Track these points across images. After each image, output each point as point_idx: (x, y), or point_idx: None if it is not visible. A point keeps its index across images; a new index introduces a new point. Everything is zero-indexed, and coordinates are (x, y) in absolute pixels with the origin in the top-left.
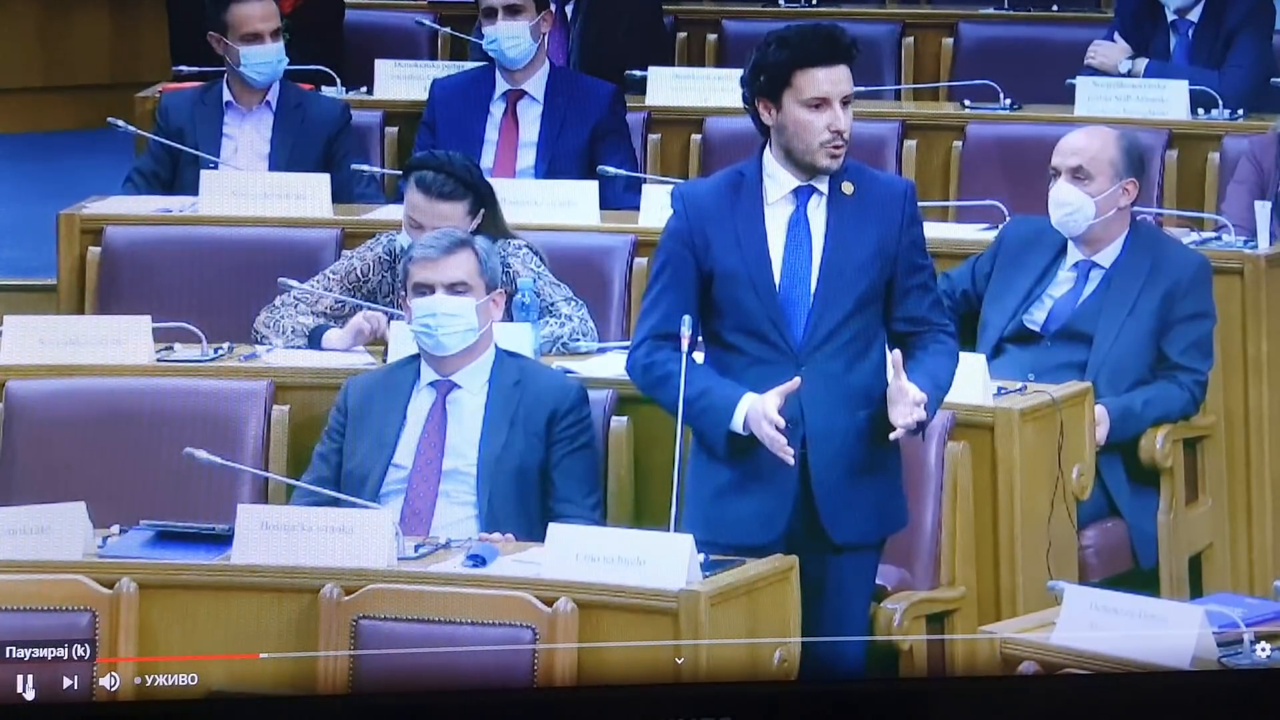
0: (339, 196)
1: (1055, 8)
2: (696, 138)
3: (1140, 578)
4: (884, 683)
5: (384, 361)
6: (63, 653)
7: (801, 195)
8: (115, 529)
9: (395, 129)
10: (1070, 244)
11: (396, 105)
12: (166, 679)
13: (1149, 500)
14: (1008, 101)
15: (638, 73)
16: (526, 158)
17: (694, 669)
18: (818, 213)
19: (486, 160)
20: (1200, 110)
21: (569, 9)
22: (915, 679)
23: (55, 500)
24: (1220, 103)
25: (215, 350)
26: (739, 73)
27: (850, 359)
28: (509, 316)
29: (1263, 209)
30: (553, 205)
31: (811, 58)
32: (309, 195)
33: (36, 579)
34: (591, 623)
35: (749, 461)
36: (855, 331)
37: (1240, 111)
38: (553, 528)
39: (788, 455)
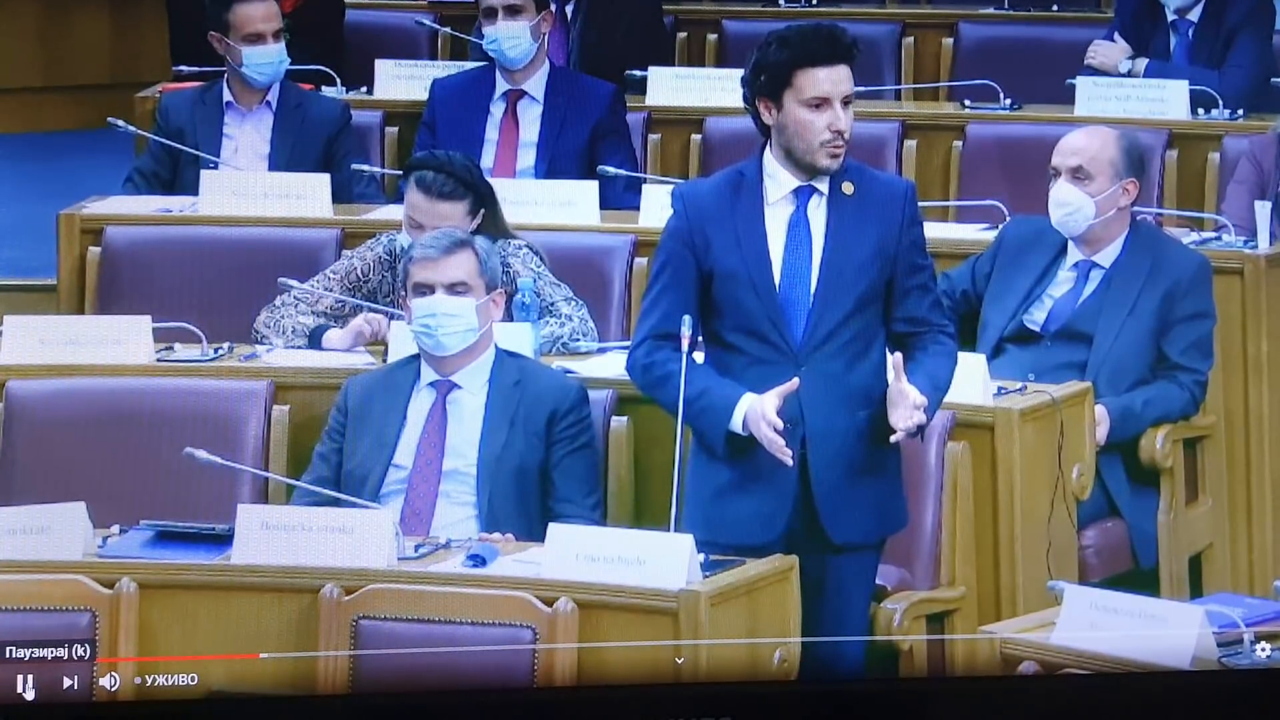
0: (339, 196)
1: (1055, 8)
2: (696, 138)
3: (1140, 578)
4: (884, 683)
5: (384, 361)
6: (63, 653)
7: (802, 195)
8: (115, 529)
9: (395, 129)
10: (1070, 244)
11: (396, 105)
12: (166, 679)
13: (1149, 500)
14: (1008, 101)
15: (638, 73)
16: (526, 158)
17: (694, 669)
18: (818, 213)
19: (486, 160)
20: (1200, 110)
21: (569, 9)
22: (915, 679)
23: (55, 500)
24: (1220, 103)
25: (215, 350)
26: (739, 73)
27: (850, 359)
28: (509, 316)
29: (1263, 209)
30: (553, 205)
31: (812, 57)
32: (309, 195)
33: (36, 579)
34: (591, 623)
35: (749, 461)
36: (855, 332)
37: (1240, 111)
38: (553, 528)
39: (786, 456)
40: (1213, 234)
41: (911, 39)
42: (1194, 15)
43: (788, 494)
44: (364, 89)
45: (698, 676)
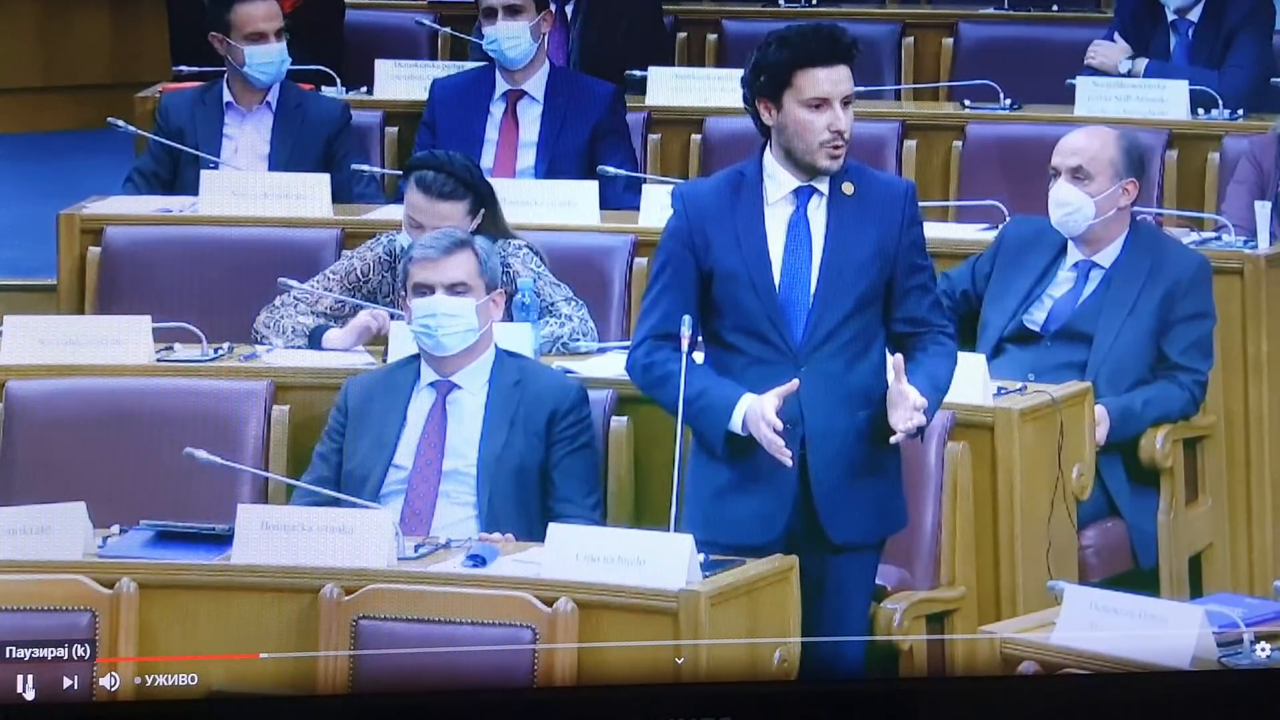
0: (339, 196)
1: (1055, 8)
2: (696, 138)
3: (1140, 578)
4: (884, 683)
5: (384, 361)
6: (63, 653)
7: (802, 195)
8: (115, 529)
9: (395, 129)
10: (1070, 244)
11: (396, 105)
12: (166, 679)
13: (1149, 500)
14: (1008, 101)
15: (638, 73)
16: (526, 158)
17: (694, 669)
18: (818, 213)
19: (486, 160)
20: (1200, 110)
21: (569, 9)
22: (915, 679)
23: (55, 500)
24: (1220, 103)
25: (215, 350)
26: (739, 73)
27: (850, 359)
28: (509, 316)
29: (1263, 209)
30: (553, 205)
31: (812, 58)
32: (309, 195)
33: (36, 579)
34: (591, 623)
35: (748, 461)
36: (855, 332)
37: (1240, 111)
38: (553, 528)
39: (785, 456)
40: (1213, 234)
41: (911, 39)
42: (1194, 15)
43: (787, 494)
44: (364, 89)
45: (698, 676)
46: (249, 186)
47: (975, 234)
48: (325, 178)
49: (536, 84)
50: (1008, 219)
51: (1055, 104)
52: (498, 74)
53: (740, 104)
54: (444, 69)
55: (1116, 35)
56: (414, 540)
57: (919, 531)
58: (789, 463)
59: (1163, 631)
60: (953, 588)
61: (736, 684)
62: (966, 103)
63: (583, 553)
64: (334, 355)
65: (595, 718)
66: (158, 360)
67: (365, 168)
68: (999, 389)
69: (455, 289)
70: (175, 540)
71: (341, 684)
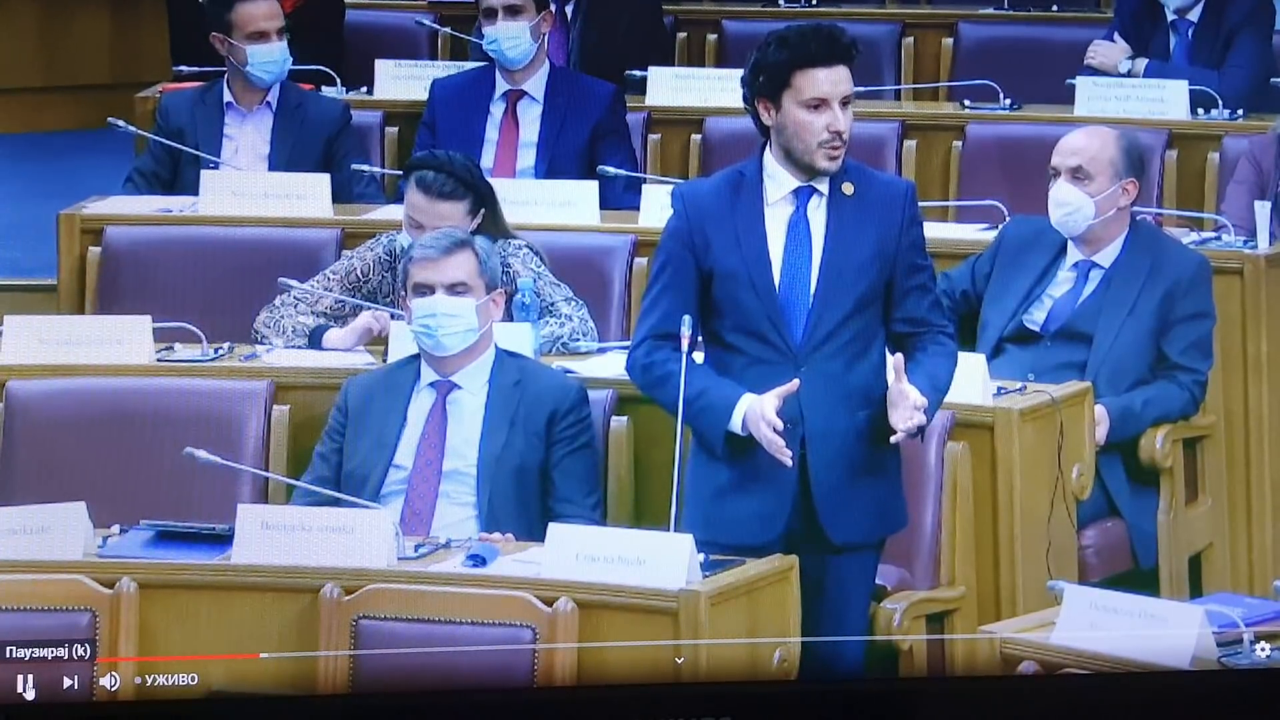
0: (339, 196)
1: (1055, 8)
2: (696, 138)
3: (1140, 578)
4: (884, 683)
5: (384, 361)
6: (63, 653)
7: (801, 195)
8: (115, 529)
9: (395, 129)
10: (1070, 244)
11: (396, 105)
12: (166, 679)
13: (1149, 500)
14: (1008, 101)
15: (638, 73)
16: (526, 158)
17: (694, 669)
18: (818, 213)
19: (486, 160)
20: (1200, 110)
21: (569, 9)
22: (915, 679)
23: (55, 500)
24: (1220, 103)
25: (215, 350)
26: (739, 73)
27: (850, 359)
28: (509, 316)
29: (1263, 209)
30: (553, 205)
31: (811, 58)
32: (309, 195)
33: (36, 579)
34: (591, 623)
35: (748, 461)
36: (855, 332)
37: (1240, 111)
38: (553, 527)
39: (785, 457)
40: (1213, 234)
41: (911, 39)
42: (1194, 15)
43: (787, 494)
44: (364, 89)
45: (698, 676)
46: (249, 186)
47: (975, 234)
48: (325, 178)
49: (536, 84)
50: (1008, 219)
51: (1055, 104)
52: (498, 74)
53: (740, 104)
54: (444, 69)
55: (1116, 35)
56: (414, 540)
57: (919, 531)
58: (789, 463)
59: (1163, 631)
60: (953, 588)
61: (736, 684)
62: (966, 103)
63: (583, 553)
64: (334, 355)
65: (595, 718)
66: (158, 360)
67: (365, 168)
68: (999, 389)
69: (455, 289)
70: (175, 540)
71: (341, 684)
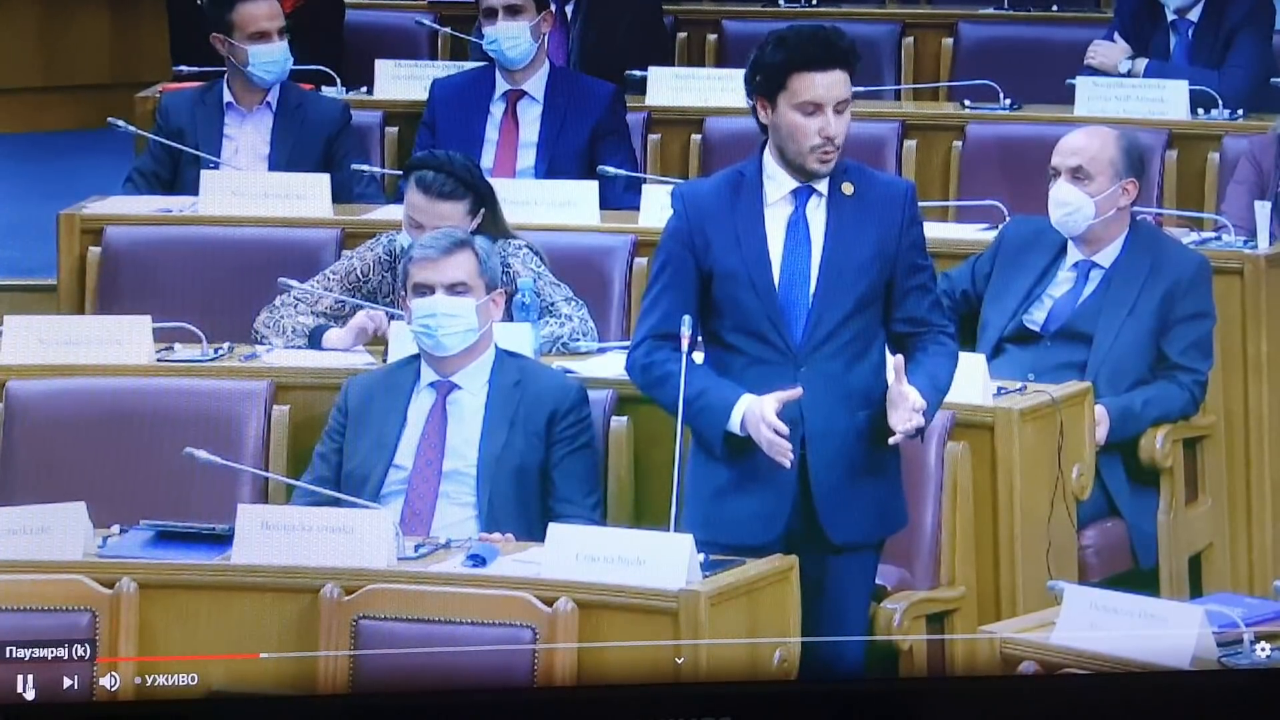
0: (339, 196)
1: (1055, 8)
2: (696, 138)
3: (1140, 578)
4: (884, 683)
5: (384, 361)
6: (63, 653)
7: (800, 196)
8: (115, 529)
9: (395, 129)
10: (1070, 244)
11: (396, 105)
12: (166, 679)
13: (1149, 500)
14: (1008, 101)
15: (638, 73)
16: (526, 158)
17: (694, 669)
18: (817, 213)
19: (486, 160)
20: (1200, 110)
21: (569, 9)
22: (915, 679)
23: (55, 500)
24: (1220, 103)
25: (215, 350)
26: (739, 73)
27: (850, 359)
28: (509, 316)
29: (1263, 209)
30: (553, 205)
31: (808, 61)
32: (309, 195)
33: (36, 579)
34: (591, 623)
35: (748, 462)
36: (855, 332)
37: (1240, 111)
38: (553, 528)
39: (785, 459)
40: (1213, 234)
41: (911, 39)
42: (1194, 15)
43: (787, 494)
44: (364, 89)
45: (698, 676)
46: (249, 186)
47: (975, 234)
48: (325, 178)
49: (536, 84)
50: (1008, 219)
51: (1055, 104)
52: (498, 74)
53: (740, 104)
54: (444, 69)
55: (1116, 35)
56: (414, 540)
57: (919, 531)
58: (789, 465)
59: (1163, 631)
60: (953, 588)
61: (736, 684)
62: (966, 103)
63: (583, 553)
64: (334, 355)
65: (595, 718)
66: (158, 360)
67: (365, 168)
68: (999, 389)
69: (455, 289)
70: (175, 540)
71: (341, 684)
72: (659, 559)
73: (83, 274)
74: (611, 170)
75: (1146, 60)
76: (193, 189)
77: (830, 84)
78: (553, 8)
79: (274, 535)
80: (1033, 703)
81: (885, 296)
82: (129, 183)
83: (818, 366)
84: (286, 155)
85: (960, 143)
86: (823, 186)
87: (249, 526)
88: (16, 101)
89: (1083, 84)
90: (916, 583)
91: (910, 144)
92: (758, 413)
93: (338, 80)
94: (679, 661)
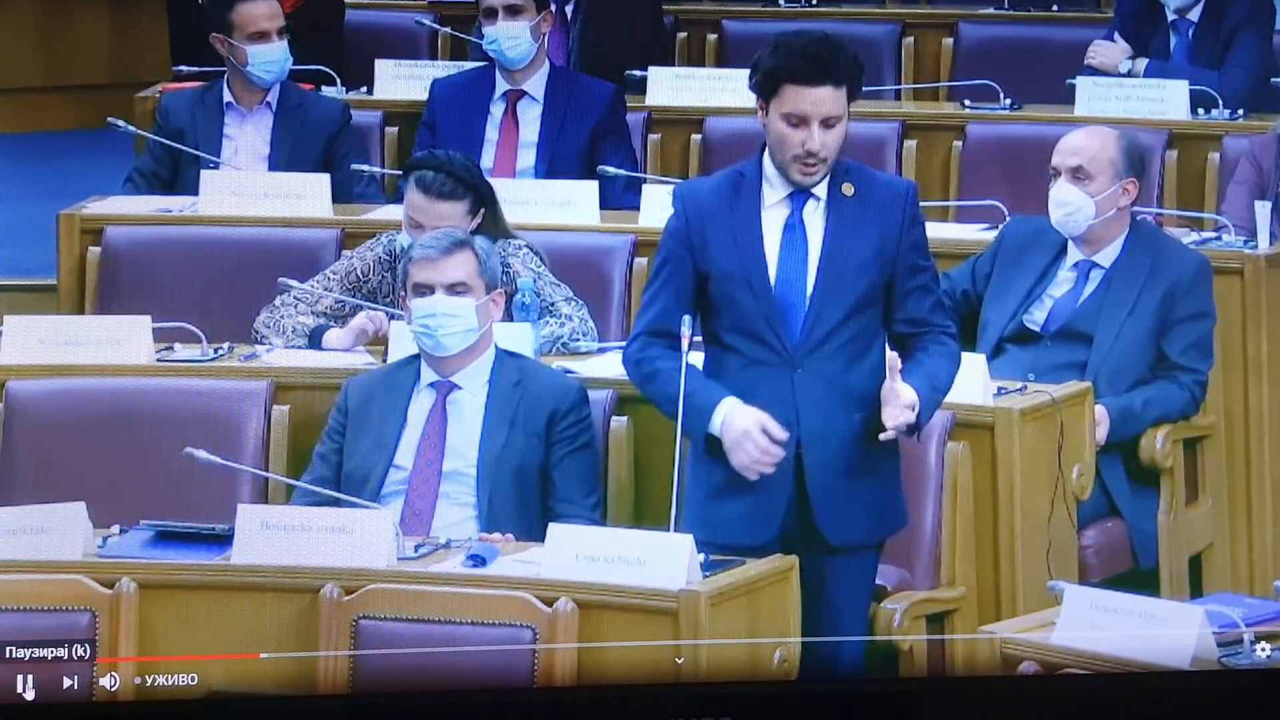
0: (339, 196)
1: (1055, 8)
2: (696, 138)
3: (1140, 578)
4: (884, 683)
5: (384, 361)
6: (63, 653)
7: (798, 199)
8: (115, 529)
9: (395, 129)
10: (1070, 244)
11: (396, 105)
12: (166, 679)
13: (1149, 500)
14: (1008, 101)
15: (638, 73)
16: (526, 158)
17: (694, 669)
18: (815, 215)
19: (486, 160)
20: (1200, 110)
21: (569, 9)
22: (915, 679)
23: (55, 500)
24: (1220, 103)
25: (215, 350)
26: (739, 73)
27: (848, 360)
28: (509, 316)
29: (1263, 209)
30: (553, 205)
31: (797, 74)
32: (309, 195)
33: (36, 579)
34: (591, 623)
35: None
36: (854, 333)
37: (1240, 111)
38: (553, 528)
39: (750, 473)
40: (1213, 234)
41: (911, 39)
42: (1194, 15)
43: (782, 495)
44: (364, 89)
45: (698, 676)
46: (249, 186)
47: (975, 234)
48: (325, 178)
49: (536, 84)
50: (1008, 219)
51: (1055, 104)
52: (498, 74)
53: (740, 104)
54: (444, 69)
55: (1116, 35)
56: (414, 540)
57: (919, 531)
58: (753, 477)
59: (1163, 631)
60: (953, 588)
61: (736, 684)
62: (966, 103)
63: (583, 553)
64: (334, 355)
65: (595, 718)
66: (158, 360)
67: (365, 168)
68: (999, 389)
69: (455, 289)
70: (175, 540)
71: (341, 684)
72: (659, 559)
73: (83, 274)
74: (611, 170)
75: (1146, 60)
76: (193, 189)
77: (819, 99)
78: (553, 8)
79: (274, 535)
80: (1033, 703)
81: (885, 297)
82: (129, 183)
83: (815, 367)
84: (286, 155)
85: (960, 143)
86: (821, 189)
87: (249, 526)
88: (16, 101)
89: (1083, 84)
90: (916, 583)
91: (910, 144)
92: (738, 426)
93: (338, 80)
94: (679, 661)
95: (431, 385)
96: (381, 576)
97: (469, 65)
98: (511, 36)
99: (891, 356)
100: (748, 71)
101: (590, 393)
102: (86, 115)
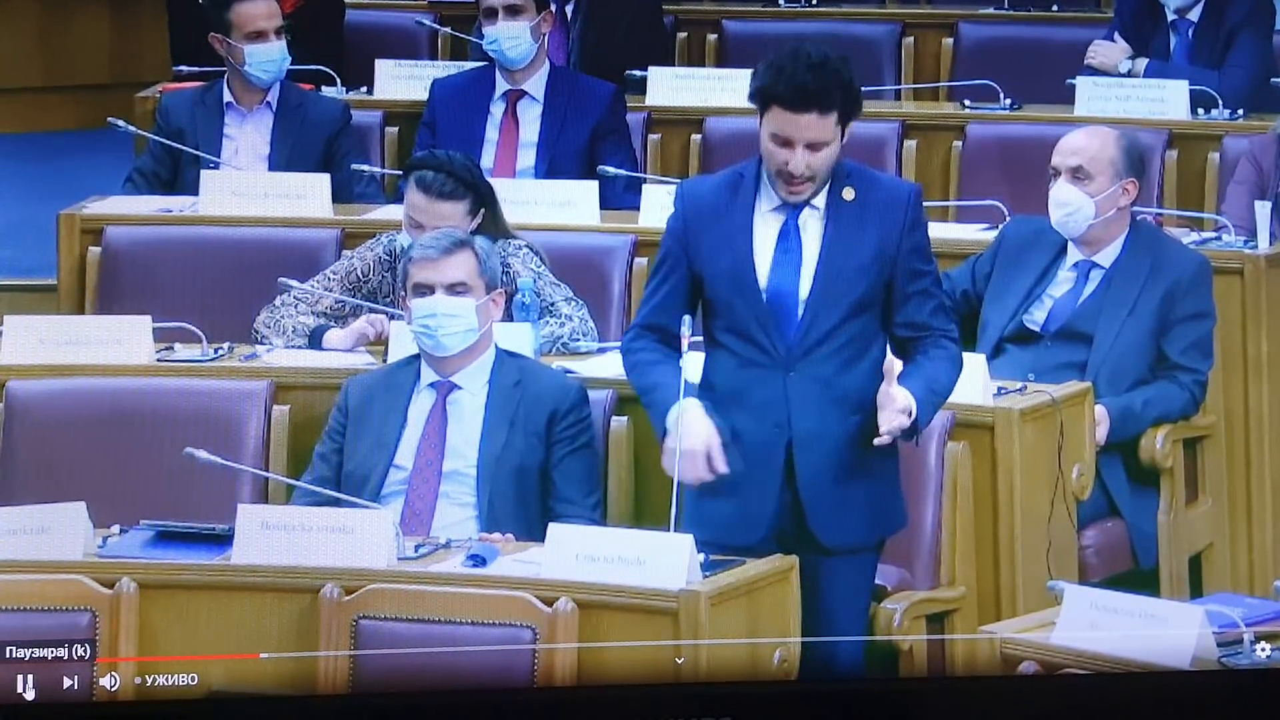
0: (339, 196)
1: (1055, 8)
2: (696, 138)
3: (1140, 578)
4: (884, 683)
5: (384, 362)
6: (63, 653)
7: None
8: (115, 529)
9: (395, 129)
10: (1070, 244)
11: (396, 105)
12: (166, 679)
13: (1149, 500)
14: (1008, 101)
15: (638, 73)
16: (526, 158)
17: (694, 669)
18: (813, 219)
19: (486, 160)
20: (1200, 110)
21: (569, 9)
22: (915, 679)
23: (55, 500)
24: (1220, 103)
25: (215, 350)
26: (739, 73)
27: (843, 363)
28: (509, 316)
29: (1263, 209)
30: (553, 205)
31: (782, 100)
32: (309, 195)
33: (36, 579)
34: (591, 623)
35: (731, 460)
36: (850, 336)
37: (1240, 111)
38: (553, 528)
39: (671, 470)
40: (1213, 234)
41: (911, 39)
42: (1194, 15)
43: (770, 496)
44: (364, 89)
45: (698, 676)
46: (249, 186)
47: (975, 234)
48: (325, 178)
49: (536, 84)
50: (1008, 219)
51: (1055, 104)
52: (498, 74)
53: (740, 104)
54: (444, 69)
55: (1116, 35)
56: (414, 540)
57: (919, 531)
58: (694, 481)
59: (1163, 631)
60: (953, 588)
61: (736, 684)
62: (966, 103)
63: (583, 553)
64: (334, 355)
65: (595, 718)
66: (158, 360)
67: (365, 168)
68: (999, 389)
69: (455, 289)
70: (175, 540)
71: (341, 684)
72: (659, 559)
73: (83, 274)
74: (611, 170)
75: (1146, 60)
76: (193, 189)
77: (804, 125)
78: (553, 8)
79: (274, 535)
80: (1033, 703)
81: (885, 300)
82: (129, 183)
83: (809, 370)
84: (286, 155)
85: (960, 143)
86: (820, 196)
87: (249, 526)
88: (16, 101)
89: (1083, 84)
90: (916, 583)
91: (910, 144)
92: (688, 439)
93: (338, 80)
94: (679, 661)
95: (432, 385)
96: (381, 576)
97: (469, 65)
98: (511, 36)
99: (889, 361)
100: (749, 73)
101: (590, 393)
102: (86, 115)
